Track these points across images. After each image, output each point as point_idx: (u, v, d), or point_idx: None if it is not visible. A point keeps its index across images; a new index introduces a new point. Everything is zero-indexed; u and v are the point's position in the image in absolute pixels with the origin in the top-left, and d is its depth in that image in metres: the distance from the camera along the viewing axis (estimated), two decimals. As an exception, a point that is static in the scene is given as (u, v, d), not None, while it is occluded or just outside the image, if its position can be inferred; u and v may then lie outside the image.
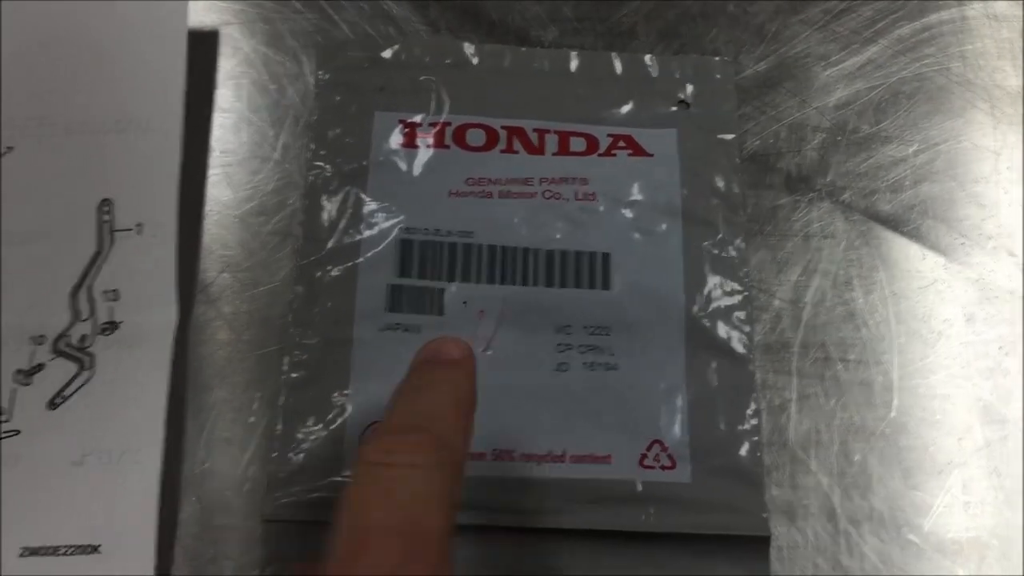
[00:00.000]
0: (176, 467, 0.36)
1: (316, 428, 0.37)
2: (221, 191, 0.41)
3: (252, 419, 0.37)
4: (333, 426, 0.37)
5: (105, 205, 0.39)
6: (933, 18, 0.45)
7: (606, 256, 0.40)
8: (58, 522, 0.35)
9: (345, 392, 0.37)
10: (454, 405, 0.29)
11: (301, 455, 0.36)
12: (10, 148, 0.39)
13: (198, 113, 0.41)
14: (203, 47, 0.42)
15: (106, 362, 0.37)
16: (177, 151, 0.39)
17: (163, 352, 0.37)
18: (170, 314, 0.37)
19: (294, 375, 0.38)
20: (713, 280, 0.40)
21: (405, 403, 0.29)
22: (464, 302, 0.39)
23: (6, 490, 0.35)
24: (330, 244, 0.39)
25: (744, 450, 0.37)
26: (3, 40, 0.41)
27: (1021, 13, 0.45)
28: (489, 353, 0.38)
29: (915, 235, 0.41)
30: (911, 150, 0.43)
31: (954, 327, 0.40)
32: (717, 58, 0.44)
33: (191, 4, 0.42)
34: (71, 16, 0.41)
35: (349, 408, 0.37)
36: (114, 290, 0.38)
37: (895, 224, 0.41)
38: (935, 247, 0.41)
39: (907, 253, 0.41)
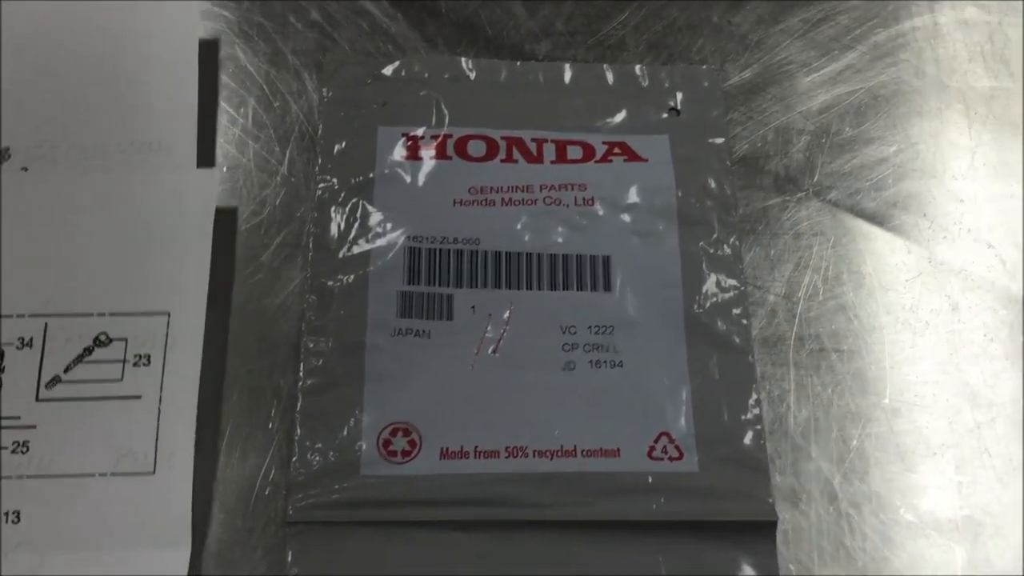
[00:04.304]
0: (201, 473, 0.37)
1: (333, 432, 0.38)
2: (230, 205, 0.42)
3: (271, 425, 0.38)
4: (350, 429, 0.38)
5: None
6: (907, 25, 0.47)
7: (606, 259, 0.41)
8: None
9: (360, 396, 0.38)
10: None
11: (319, 458, 0.37)
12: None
13: (205, 131, 0.42)
14: (206, 66, 0.43)
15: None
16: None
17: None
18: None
19: (310, 381, 0.39)
20: (710, 278, 0.41)
21: None
22: (472, 307, 0.40)
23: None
24: (341, 254, 0.40)
25: (748, 439, 0.39)
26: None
27: (989, 18, 0.47)
28: (498, 355, 0.39)
29: (899, 230, 0.43)
30: (892, 150, 0.45)
31: (940, 316, 0.42)
32: (704, 67, 0.45)
33: (195, 22, 0.43)
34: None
35: (365, 411, 0.38)
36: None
37: (880, 220, 0.43)
38: (919, 241, 0.43)
39: (892, 247, 0.43)
